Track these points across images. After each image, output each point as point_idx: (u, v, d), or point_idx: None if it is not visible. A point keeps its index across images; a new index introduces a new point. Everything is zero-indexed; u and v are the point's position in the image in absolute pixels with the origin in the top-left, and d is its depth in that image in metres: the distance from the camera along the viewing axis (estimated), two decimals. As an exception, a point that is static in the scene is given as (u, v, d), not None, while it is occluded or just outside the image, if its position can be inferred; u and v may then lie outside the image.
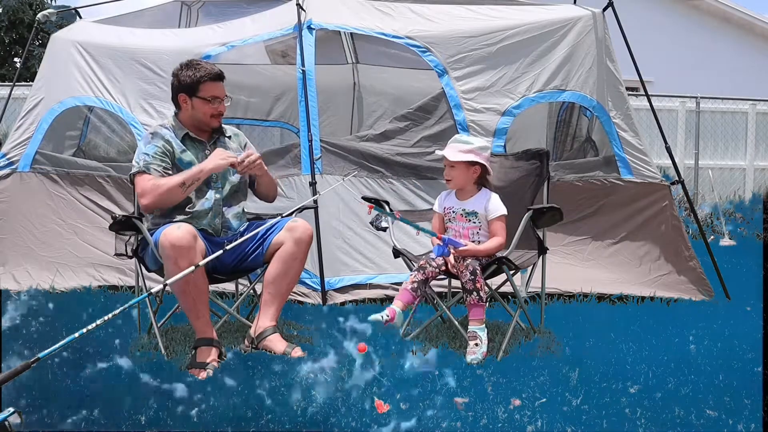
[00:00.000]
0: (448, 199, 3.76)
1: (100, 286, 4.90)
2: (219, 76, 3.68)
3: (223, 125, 3.83)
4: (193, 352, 3.37)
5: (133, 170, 3.62)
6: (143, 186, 3.55)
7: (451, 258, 3.53)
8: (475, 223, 3.65)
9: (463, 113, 4.95)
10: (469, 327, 3.45)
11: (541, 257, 3.82)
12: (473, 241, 3.62)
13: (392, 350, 3.46)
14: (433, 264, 3.53)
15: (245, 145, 3.91)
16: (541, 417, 2.72)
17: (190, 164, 3.63)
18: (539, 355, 3.49)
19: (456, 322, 3.66)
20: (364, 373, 3.11)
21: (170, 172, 3.60)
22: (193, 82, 3.63)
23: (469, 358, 3.38)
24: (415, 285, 3.49)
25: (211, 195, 3.66)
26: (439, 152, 3.70)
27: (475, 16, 5.24)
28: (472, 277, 3.43)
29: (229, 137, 3.84)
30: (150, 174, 3.56)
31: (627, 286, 4.90)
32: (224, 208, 3.70)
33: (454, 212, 3.70)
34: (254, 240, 3.62)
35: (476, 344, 3.40)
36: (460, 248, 3.49)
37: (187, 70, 3.66)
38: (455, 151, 3.61)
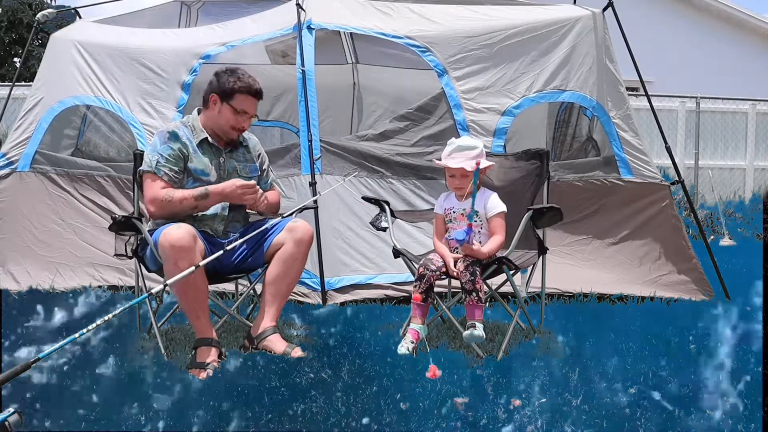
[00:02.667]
0: (448, 200, 3.76)
1: (100, 286, 4.89)
2: (257, 94, 3.66)
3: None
4: (193, 352, 3.37)
5: (144, 167, 3.61)
6: (155, 193, 3.54)
7: (451, 263, 3.53)
8: (476, 222, 3.65)
9: (463, 113, 4.94)
10: (467, 323, 3.46)
11: (541, 257, 3.82)
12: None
13: (392, 350, 3.45)
14: (432, 267, 3.53)
15: (259, 156, 3.88)
16: (541, 417, 2.72)
17: (201, 171, 3.62)
18: (539, 355, 3.49)
19: (456, 322, 3.66)
20: (364, 373, 3.11)
21: (179, 177, 3.60)
22: (230, 89, 3.61)
23: (468, 332, 3.37)
24: (424, 295, 3.53)
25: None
26: (453, 164, 3.59)
27: (475, 16, 5.24)
28: (472, 278, 3.43)
29: (246, 146, 3.82)
30: (159, 177, 3.55)
31: (627, 286, 4.89)
32: (230, 214, 3.69)
33: (454, 212, 3.69)
34: (254, 240, 3.62)
35: (474, 329, 3.39)
36: (470, 246, 3.47)
37: (230, 76, 3.64)
38: (467, 159, 3.59)
